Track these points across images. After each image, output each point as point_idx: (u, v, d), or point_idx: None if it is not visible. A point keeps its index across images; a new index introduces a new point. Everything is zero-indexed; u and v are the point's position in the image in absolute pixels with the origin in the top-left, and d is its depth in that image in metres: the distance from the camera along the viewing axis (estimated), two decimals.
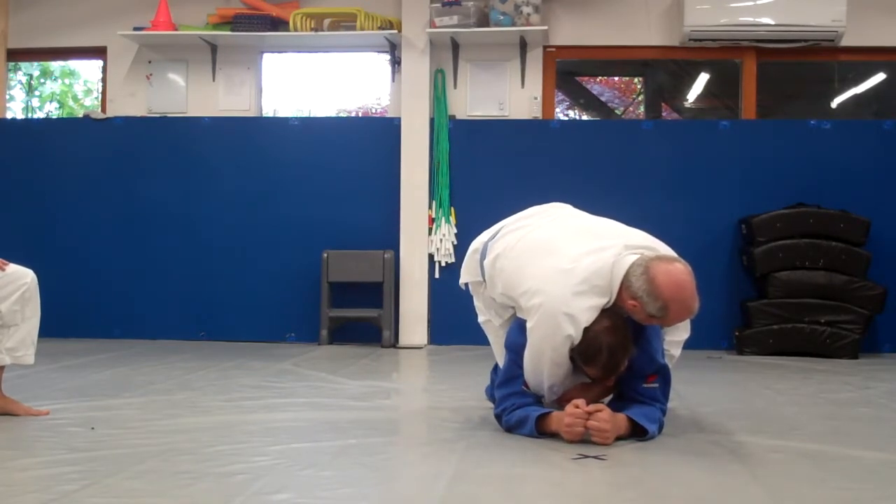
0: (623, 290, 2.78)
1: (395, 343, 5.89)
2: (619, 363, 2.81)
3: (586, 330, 2.76)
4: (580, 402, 2.80)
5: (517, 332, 2.96)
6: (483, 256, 3.21)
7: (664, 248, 3.04)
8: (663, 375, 2.96)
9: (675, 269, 2.81)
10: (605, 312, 2.80)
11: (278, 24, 6.07)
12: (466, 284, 3.40)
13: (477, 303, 3.37)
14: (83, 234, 6.22)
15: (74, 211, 6.24)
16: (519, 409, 2.92)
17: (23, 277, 3.13)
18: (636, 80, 9.31)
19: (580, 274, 2.80)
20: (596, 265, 2.81)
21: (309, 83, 7.66)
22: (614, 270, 2.80)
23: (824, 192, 5.67)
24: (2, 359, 3.12)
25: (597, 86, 9.30)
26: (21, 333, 3.13)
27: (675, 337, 3.15)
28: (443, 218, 5.95)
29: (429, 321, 6.00)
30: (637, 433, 2.85)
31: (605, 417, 2.78)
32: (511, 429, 2.94)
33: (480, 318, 3.36)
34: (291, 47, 6.41)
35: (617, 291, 2.80)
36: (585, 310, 2.76)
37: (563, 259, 2.86)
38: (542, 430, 2.85)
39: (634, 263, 2.80)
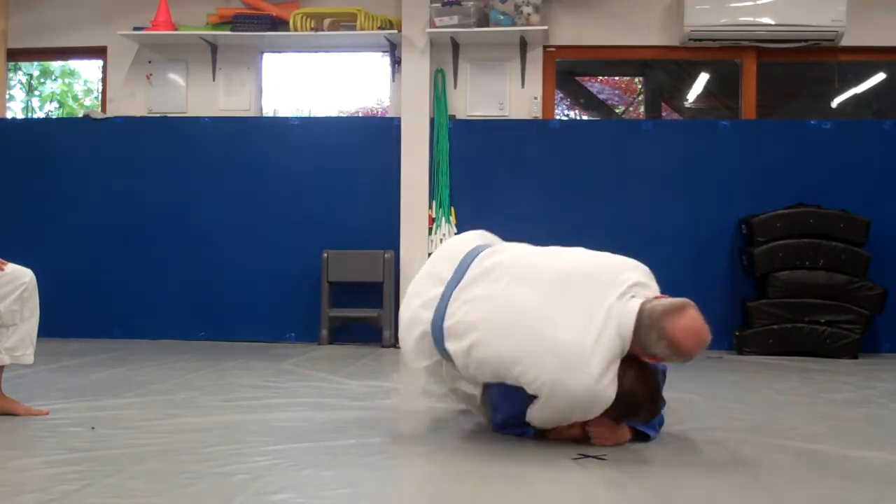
0: (635, 346, 2.65)
1: (395, 343, 5.89)
2: (658, 404, 2.80)
3: (618, 387, 2.63)
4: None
5: (511, 397, 2.80)
6: (439, 339, 2.85)
7: (628, 268, 2.78)
8: (661, 372, 2.95)
9: (692, 322, 2.64)
10: (622, 361, 2.67)
11: (278, 23, 6.06)
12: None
13: (435, 377, 3.11)
14: (83, 234, 6.22)
15: (74, 211, 6.24)
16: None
17: (21, 277, 3.13)
18: (636, 80, 9.31)
19: (595, 353, 2.58)
20: (604, 338, 2.60)
21: (309, 83, 7.67)
22: (622, 332, 2.62)
23: (824, 192, 5.67)
24: (1, 359, 3.12)
25: (597, 85, 9.30)
26: (20, 333, 3.13)
27: None
28: (443, 218, 5.95)
29: None
30: (639, 438, 2.85)
31: (606, 422, 2.77)
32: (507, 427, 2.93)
33: (443, 389, 3.17)
34: (291, 47, 6.41)
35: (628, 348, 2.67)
36: (610, 384, 2.61)
37: (561, 332, 2.61)
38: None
39: (642, 325, 2.61)
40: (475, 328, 2.72)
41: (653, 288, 2.77)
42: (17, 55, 6.72)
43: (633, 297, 2.67)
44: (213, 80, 6.31)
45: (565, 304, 2.66)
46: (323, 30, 6.02)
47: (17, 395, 3.35)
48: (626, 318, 2.61)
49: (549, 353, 2.59)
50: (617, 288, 2.67)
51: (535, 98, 6.09)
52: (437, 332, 2.83)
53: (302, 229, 6.07)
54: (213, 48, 6.25)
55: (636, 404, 2.68)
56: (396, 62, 6.13)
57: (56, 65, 11.32)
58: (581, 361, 2.56)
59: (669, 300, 2.67)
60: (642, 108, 9.01)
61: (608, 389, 2.59)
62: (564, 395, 2.59)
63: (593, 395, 2.57)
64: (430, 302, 2.88)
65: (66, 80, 11.93)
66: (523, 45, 6.02)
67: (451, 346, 2.79)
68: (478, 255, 2.94)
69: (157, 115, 6.32)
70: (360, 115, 9.04)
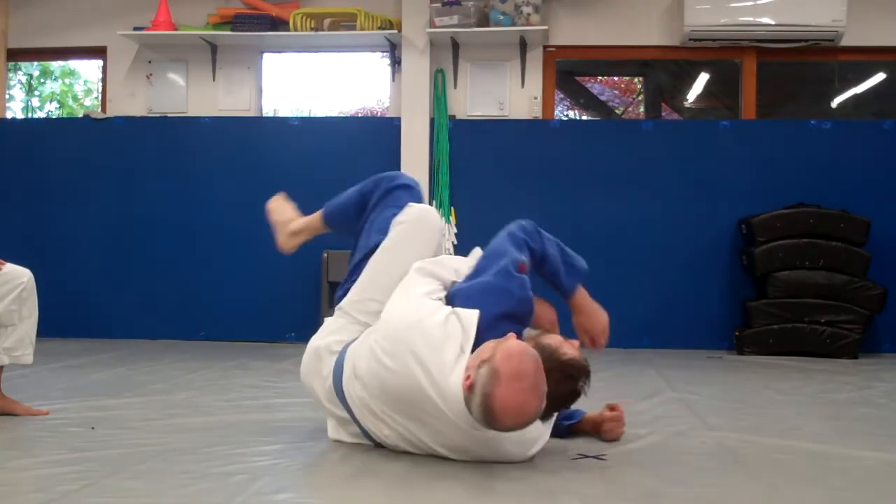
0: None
1: None
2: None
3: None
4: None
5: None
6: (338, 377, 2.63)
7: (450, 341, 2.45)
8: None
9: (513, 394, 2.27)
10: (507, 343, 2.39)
11: (278, 23, 6.07)
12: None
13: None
14: (83, 234, 6.22)
15: (74, 211, 6.24)
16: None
17: (20, 277, 3.13)
18: (636, 80, 9.32)
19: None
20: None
21: (309, 83, 7.67)
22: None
23: (824, 192, 5.67)
24: (0, 359, 3.12)
25: (597, 85, 9.31)
26: (19, 333, 3.13)
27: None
28: (443, 218, 5.95)
29: None
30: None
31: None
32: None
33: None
34: (291, 47, 6.41)
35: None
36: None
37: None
38: None
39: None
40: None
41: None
42: (17, 55, 6.72)
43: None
44: (213, 80, 6.31)
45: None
46: (323, 30, 6.02)
47: (18, 394, 3.35)
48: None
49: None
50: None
51: (535, 98, 6.09)
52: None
53: None
54: (213, 48, 6.25)
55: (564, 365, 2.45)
56: (396, 62, 6.13)
57: (56, 65, 11.32)
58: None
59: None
60: (642, 108, 9.01)
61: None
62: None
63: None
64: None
65: (66, 80, 11.93)
66: (523, 45, 6.02)
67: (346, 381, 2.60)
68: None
69: (157, 115, 6.32)
70: (360, 115, 9.04)
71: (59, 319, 5.95)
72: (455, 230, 5.95)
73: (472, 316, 2.47)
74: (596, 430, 2.89)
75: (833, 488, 2.34)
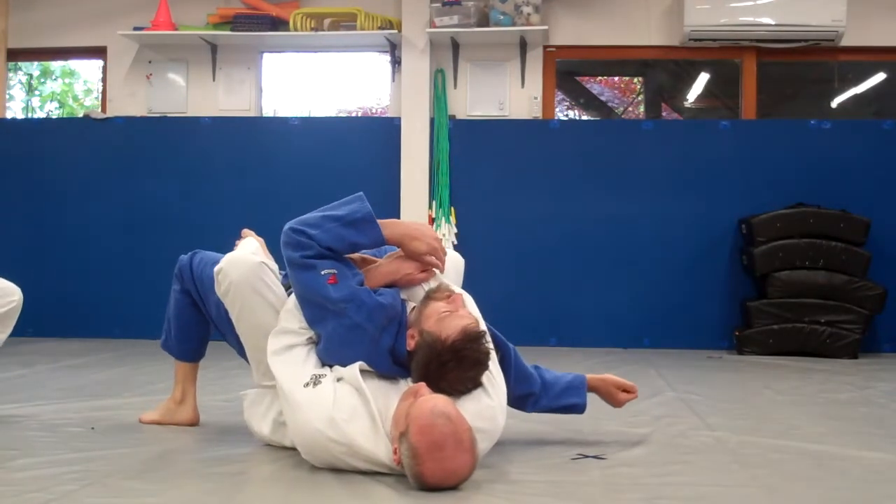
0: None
1: None
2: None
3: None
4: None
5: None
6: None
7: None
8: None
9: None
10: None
11: (278, 23, 6.07)
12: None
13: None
14: (83, 234, 6.22)
15: (74, 211, 6.24)
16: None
17: (10, 295, 3.06)
18: (636, 80, 9.32)
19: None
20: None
21: (309, 83, 7.68)
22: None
23: (824, 192, 5.66)
24: None
25: (597, 85, 9.31)
26: None
27: None
28: (443, 218, 5.94)
29: None
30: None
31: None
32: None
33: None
34: (291, 47, 6.41)
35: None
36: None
37: None
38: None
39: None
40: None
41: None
42: (17, 55, 6.71)
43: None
44: (213, 80, 6.31)
45: None
46: (323, 30, 6.02)
47: (18, 394, 3.35)
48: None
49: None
50: None
51: (535, 98, 6.09)
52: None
53: None
54: (213, 48, 6.25)
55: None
56: (396, 62, 6.13)
57: (56, 65, 11.32)
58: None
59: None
60: (642, 108, 9.01)
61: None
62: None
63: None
64: None
65: (66, 80, 11.93)
66: (523, 45, 6.02)
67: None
68: None
69: (157, 115, 6.32)
70: (360, 115, 9.04)
71: (59, 319, 5.97)
72: (455, 230, 5.95)
73: (353, 371, 2.39)
74: (606, 395, 2.88)
75: (832, 488, 2.34)
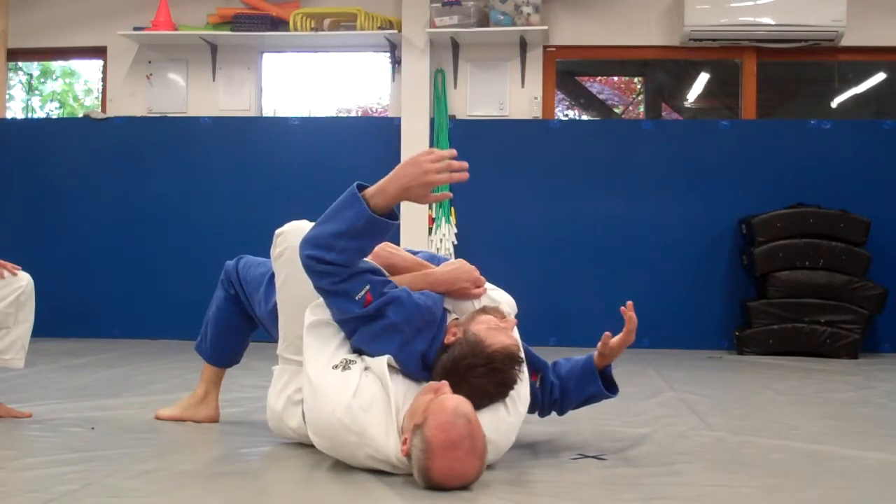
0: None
1: None
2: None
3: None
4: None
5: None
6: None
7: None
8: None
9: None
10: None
11: (278, 23, 6.07)
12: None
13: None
14: (83, 234, 6.22)
15: (74, 211, 6.24)
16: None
17: (19, 281, 3.11)
18: (636, 80, 9.31)
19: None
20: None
21: (309, 83, 7.67)
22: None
23: (824, 192, 5.67)
24: None
25: (596, 85, 9.30)
26: (12, 336, 3.11)
27: None
28: (443, 218, 5.95)
29: None
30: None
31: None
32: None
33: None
34: (291, 47, 6.42)
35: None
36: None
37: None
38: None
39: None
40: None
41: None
42: (17, 55, 6.72)
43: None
44: (213, 80, 6.31)
45: None
46: (323, 30, 6.02)
47: (18, 394, 3.35)
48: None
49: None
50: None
51: (535, 98, 6.09)
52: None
53: None
54: (213, 48, 6.25)
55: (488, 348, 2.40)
56: (396, 62, 6.14)
57: (56, 65, 11.31)
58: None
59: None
60: (642, 108, 9.01)
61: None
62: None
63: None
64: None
65: (67, 80, 11.92)
66: (523, 45, 6.02)
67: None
68: None
69: (157, 115, 6.32)
70: (360, 115, 9.04)
71: (59, 319, 5.96)
72: (455, 230, 5.95)
73: (381, 365, 2.39)
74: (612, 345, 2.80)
75: (832, 488, 2.34)
